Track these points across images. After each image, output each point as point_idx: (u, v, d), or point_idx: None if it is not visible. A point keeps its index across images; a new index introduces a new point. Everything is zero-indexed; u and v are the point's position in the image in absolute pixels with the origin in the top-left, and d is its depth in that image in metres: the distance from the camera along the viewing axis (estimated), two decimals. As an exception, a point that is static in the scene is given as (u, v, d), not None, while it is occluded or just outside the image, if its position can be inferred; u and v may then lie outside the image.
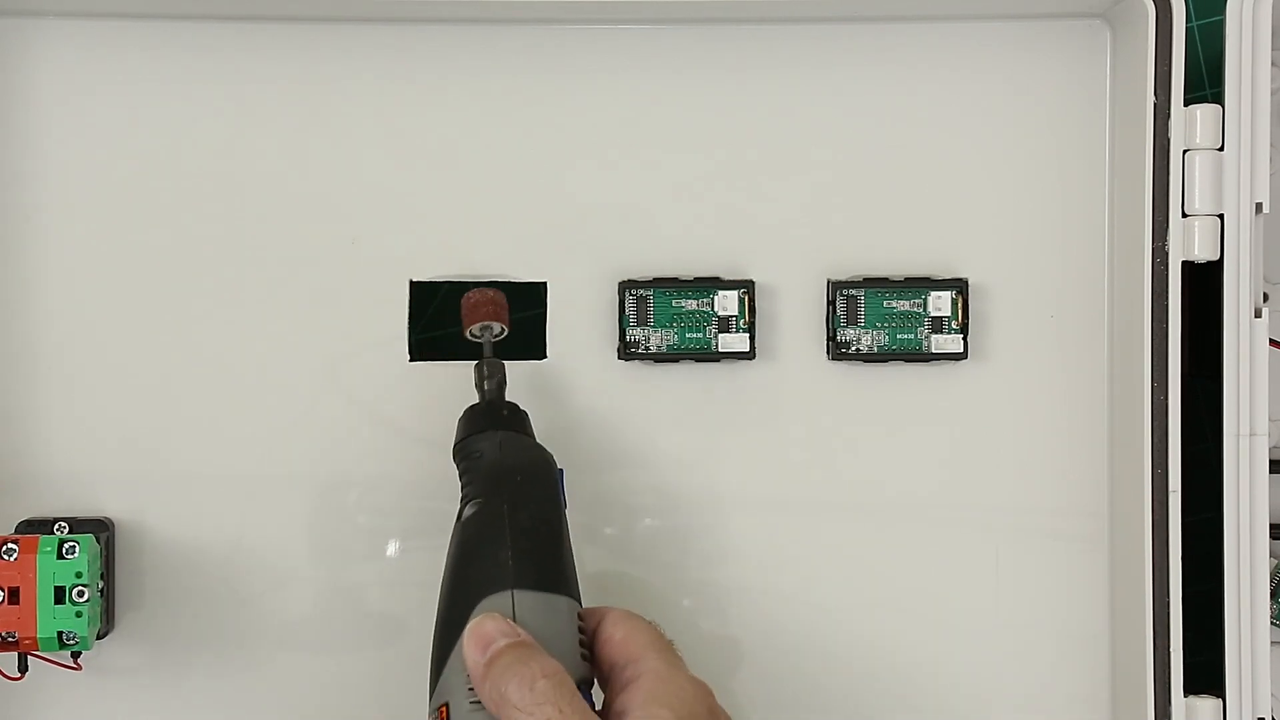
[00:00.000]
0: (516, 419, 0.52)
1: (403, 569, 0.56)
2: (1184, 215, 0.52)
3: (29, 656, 0.52)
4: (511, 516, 0.49)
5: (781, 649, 0.57)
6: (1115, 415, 0.56)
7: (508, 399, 0.53)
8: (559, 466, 0.51)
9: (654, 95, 0.56)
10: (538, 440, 0.52)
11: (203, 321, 0.56)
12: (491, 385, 0.53)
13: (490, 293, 0.54)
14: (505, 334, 0.54)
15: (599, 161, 0.56)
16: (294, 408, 0.56)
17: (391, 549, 0.56)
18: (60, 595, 0.50)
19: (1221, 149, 0.52)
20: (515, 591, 0.47)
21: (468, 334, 0.54)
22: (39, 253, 0.56)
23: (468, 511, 0.49)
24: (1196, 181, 0.52)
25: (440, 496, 0.56)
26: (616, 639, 0.47)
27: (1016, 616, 0.56)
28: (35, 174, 0.55)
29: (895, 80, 0.56)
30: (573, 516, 0.56)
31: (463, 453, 0.52)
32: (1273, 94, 0.53)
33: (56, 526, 0.54)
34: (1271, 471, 0.52)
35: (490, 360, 0.53)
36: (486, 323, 0.54)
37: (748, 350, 0.55)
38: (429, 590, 0.55)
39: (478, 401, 0.53)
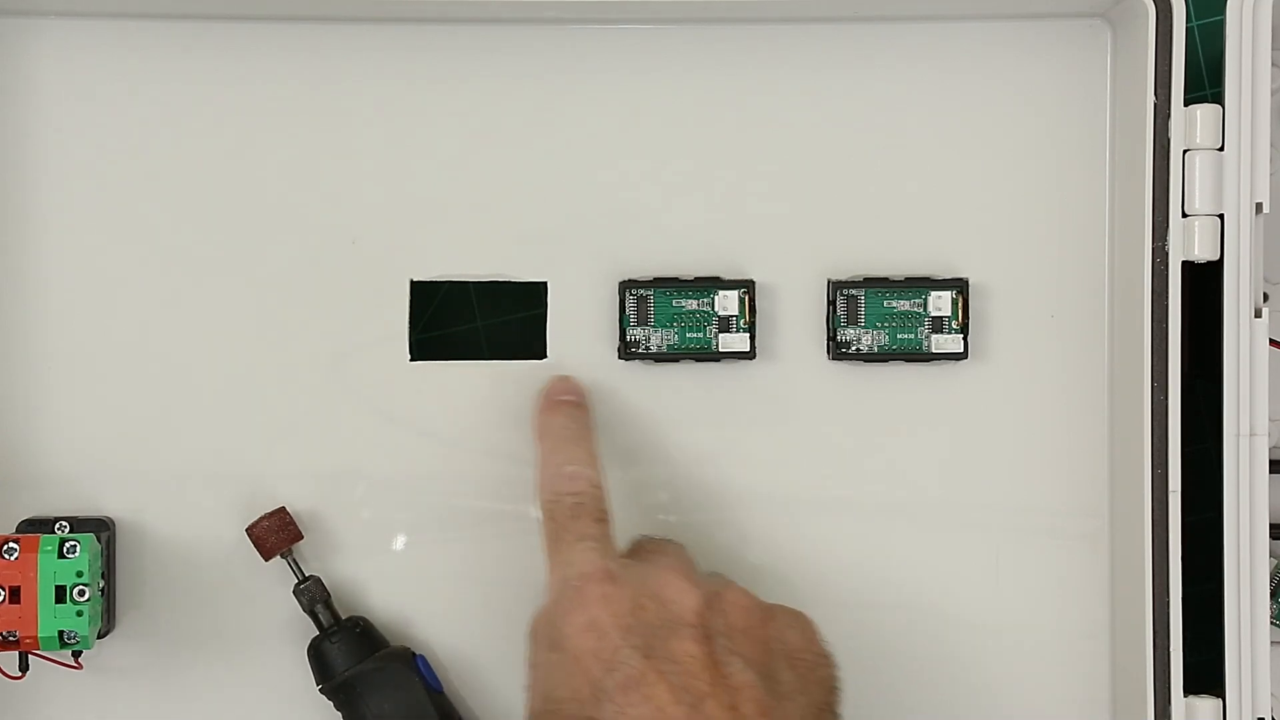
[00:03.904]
0: (356, 639, 0.54)
1: (406, 566, 0.56)
2: (1184, 215, 0.52)
3: (30, 656, 0.52)
4: None
5: (781, 649, 0.57)
6: (1115, 415, 0.56)
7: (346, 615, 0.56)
8: (416, 654, 0.55)
9: (654, 95, 0.56)
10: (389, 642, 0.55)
11: (203, 321, 0.56)
12: (320, 608, 0.55)
13: (267, 521, 0.55)
14: (302, 539, 0.56)
15: (599, 161, 0.56)
16: (294, 407, 0.56)
17: (397, 544, 0.56)
18: (61, 594, 0.50)
19: (1221, 149, 0.52)
20: None
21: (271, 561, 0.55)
22: (39, 252, 0.56)
23: None
24: (1196, 181, 0.52)
25: (442, 492, 0.56)
26: None
27: (1016, 616, 0.56)
28: (35, 174, 0.55)
29: (896, 80, 0.56)
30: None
31: (326, 694, 0.54)
32: (1273, 94, 0.53)
33: (57, 526, 0.54)
34: (1271, 471, 0.52)
35: (307, 585, 0.55)
36: (286, 549, 0.55)
37: (748, 350, 0.55)
38: (431, 586, 0.56)
39: (318, 635, 0.55)
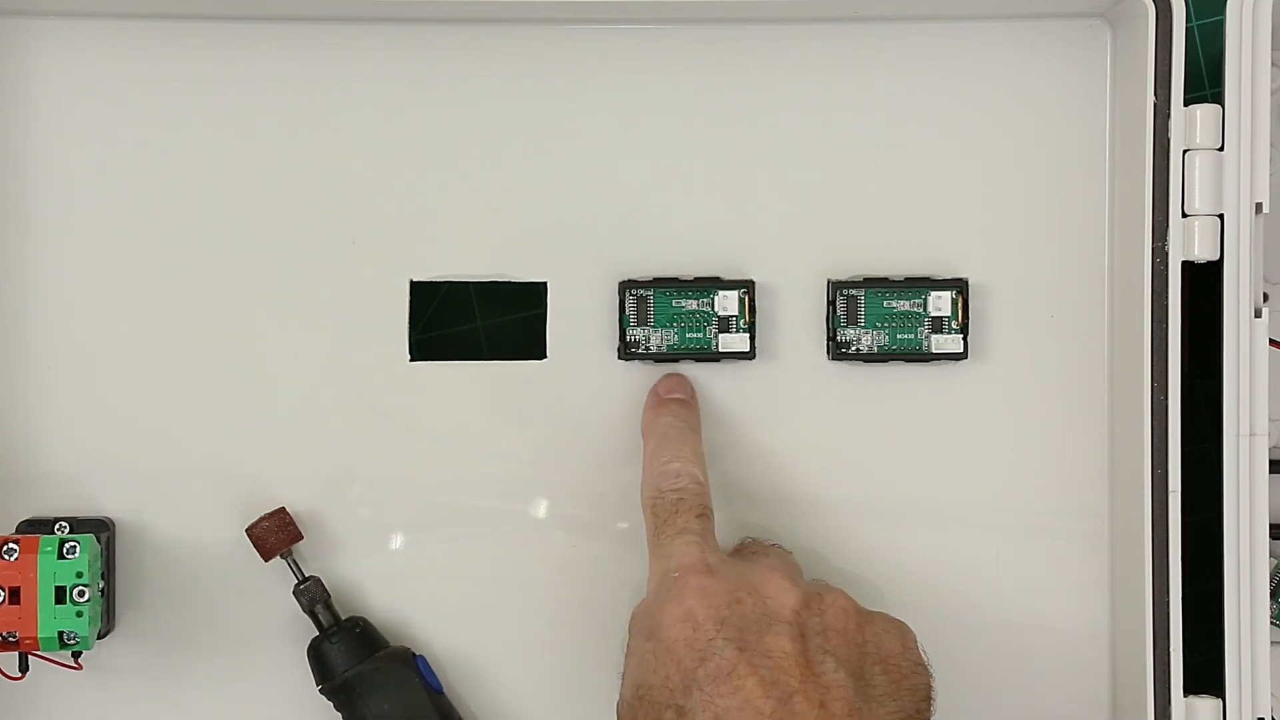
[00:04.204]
0: (356, 639, 0.54)
1: (406, 566, 0.56)
2: (1184, 215, 0.52)
3: (30, 656, 0.52)
4: None
5: (781, 649, 0.57)
6: (1115, 415, 0.56)
7: (345, 616, 0.55)
8: (416, 654, 0.55)
9: (654, 95, 0.56)
10: (390, 645, 0.55)
11: (203, 321, 0.56)
12: (320, 609, 0.55)
13: (267, 521, 0.55)
14: (302, 539, 0.56)
15: (599, 161, 0.56)
16: (294, 407, 0.56)
17: (397, 545, 0.56)
18: (61, 595, 0.50)
19: (1221, 149, 0.52)
20: None
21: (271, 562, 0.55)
22: (39, 253, 0.56)
23: None
24: (1196, 181, 0.52)
25: (442, 493, 0.56)
26: None
27: (1016, 616, 0.56)
28: (35, 174, 0.55)
29: (895, 80, 0.56)
30: (575, 514, 0.56)
31: (326, 695, 0.54)
32: (1273, 94, 0.53)
33: (57, 526, 0.54)
34: (1271, 471, 0.52)
35: (307, 585, 0.55)
36: (286, 549, 0.55)
37: (748, 350, 0.55)
38: (431, 586, 0.56)
39: (317, 635, 0.55)
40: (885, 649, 0.49)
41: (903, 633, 0.50)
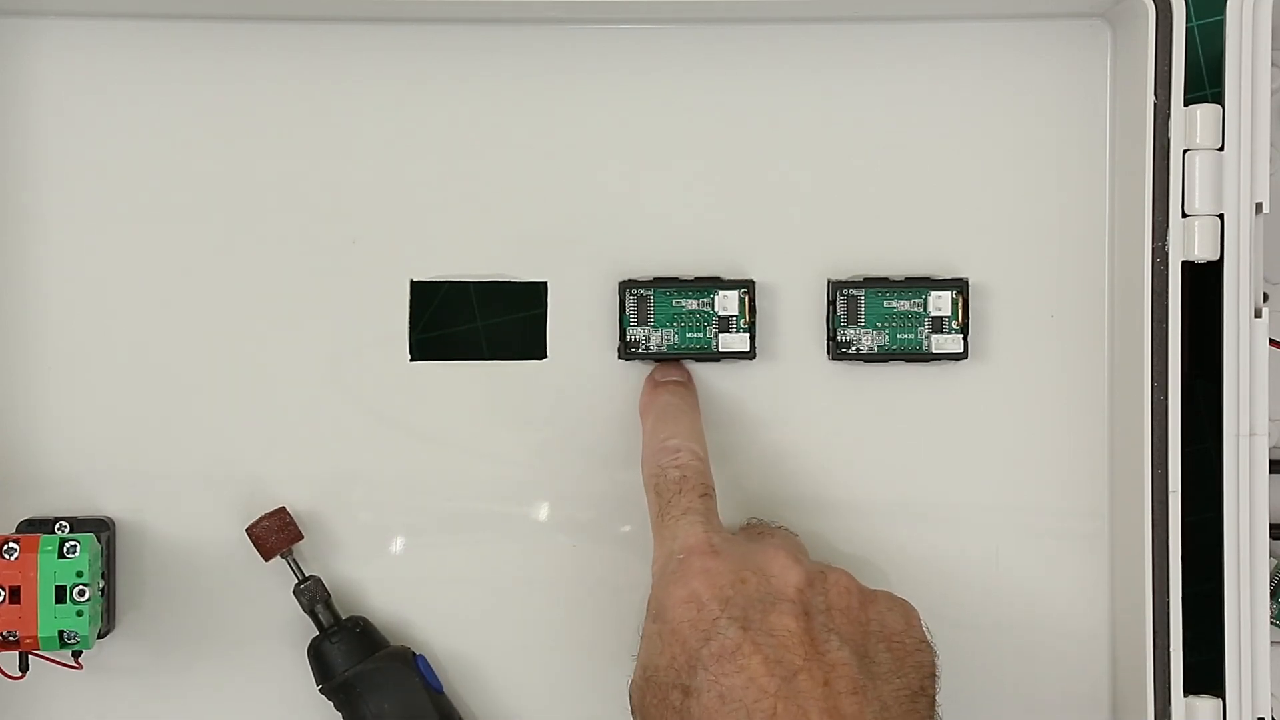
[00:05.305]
0: (356, 639, 0.54)
1: (406, 566, 0.56)
2: (1184, 215, 0.52)
3: (30, 656, 0.52)
4: None
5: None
6: (1115, 415, 0.56)
7: (344, 615, 0.56)
8: (416, 654, 0.55)
9: (654, 95, 0.56)
10: (390, 644, 0.55)
11: (203, 321, 0.56)
12: (320, 608, 0.55)
13: (267, 521, 0.55)
14: (303, 539, 0.56)
15: (599, 161, 0.56)
16: (295, 407, 0.56)
17: (397, 545, 0.56)
18: (61, 594, 0.50)
19: (1221, 149, 0.52)
20: None
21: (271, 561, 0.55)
22: (39, 253, 0.56)
23: None
24: (1196, 181, 0.52)
25: (442, 493, 0.56)
26: None
27: (1016, 616, 0.56)
28: (35, 174, 0.55)
29: (895, 80, 0.56)
30: (575, 514, 0.56)
31: (326, 694, 0.54)
32: (1273, 94, 0.53)
33: (57, 526, 0.54)
34: (1271, 471, 0.52)
35: (308, 585, 0.55)
36: (286, 549, 0.55)
37: (748, 350, 0.55)
38: (431, 586, 0.56)
39: (318, 635, 0.55)
40: (889, 627, 0.49)
41: (906, 611, 0.50)
